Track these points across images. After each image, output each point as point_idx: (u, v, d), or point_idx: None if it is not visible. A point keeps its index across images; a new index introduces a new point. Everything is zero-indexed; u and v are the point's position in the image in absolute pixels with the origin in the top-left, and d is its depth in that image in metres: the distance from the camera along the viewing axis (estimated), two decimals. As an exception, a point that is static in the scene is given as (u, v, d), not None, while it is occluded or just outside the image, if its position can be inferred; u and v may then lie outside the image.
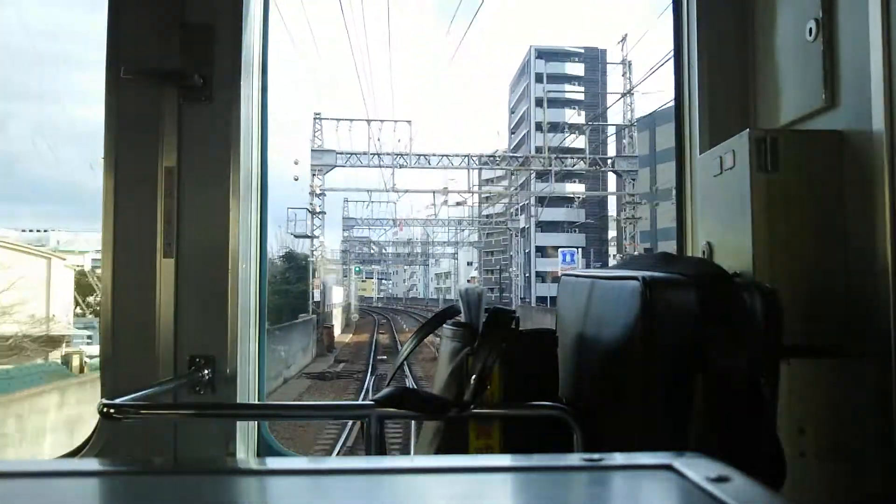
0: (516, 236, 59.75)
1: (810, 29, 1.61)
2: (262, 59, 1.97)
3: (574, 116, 61.58)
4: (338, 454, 10.95)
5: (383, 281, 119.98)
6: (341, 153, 32.78)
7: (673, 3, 2.13)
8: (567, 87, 67.57)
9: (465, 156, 33.94)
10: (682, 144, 2.07)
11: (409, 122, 34.18)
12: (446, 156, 33.72)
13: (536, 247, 64.09)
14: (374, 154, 32.77)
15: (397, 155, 32.78)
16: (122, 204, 1.82)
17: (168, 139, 1.81)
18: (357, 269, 64.69)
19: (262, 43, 1.97)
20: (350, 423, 12.21)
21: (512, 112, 79.93)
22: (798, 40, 1.67)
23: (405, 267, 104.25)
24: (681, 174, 2.08)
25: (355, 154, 32.86)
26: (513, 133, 77.59)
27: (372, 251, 71.38)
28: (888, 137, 1.36)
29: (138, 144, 1.82)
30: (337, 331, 37.99)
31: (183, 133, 1.82)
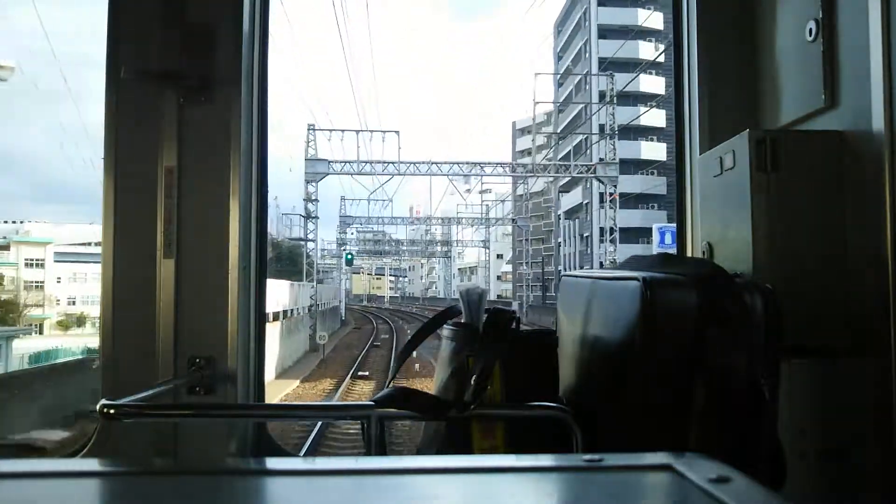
0: (564, 219, 45.41)
1: (810, 29, 1.61)
2: (261, 60, 1.97)
3: (651, 52, 44.37)
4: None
5: (400, 279, 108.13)
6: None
7: (673, 4, 2.13)
8: (641, 12, 47.98)
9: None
10: (682, 144, 2.07)
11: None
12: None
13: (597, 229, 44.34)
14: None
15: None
16: (122, 204, 1.82)
17: (168, 139, 1.81)
18: (348, 256, 47.21)
19: (262, 43, 1.97)
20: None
21: (559, 58, 60.27)
22: (798, 41, 1.67)
23: (422, 261, 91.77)
24: (681, 174, 2.08)
25: None
26: (560, 85, 58.56)
27: (376, 235, 55.52)
28: (888, 138, 1.36)
29: (138, 144, 1.82)
30: (269, 374, 18.03)
31: (183, 133, 1.81)
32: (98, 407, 1.42)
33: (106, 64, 1.82)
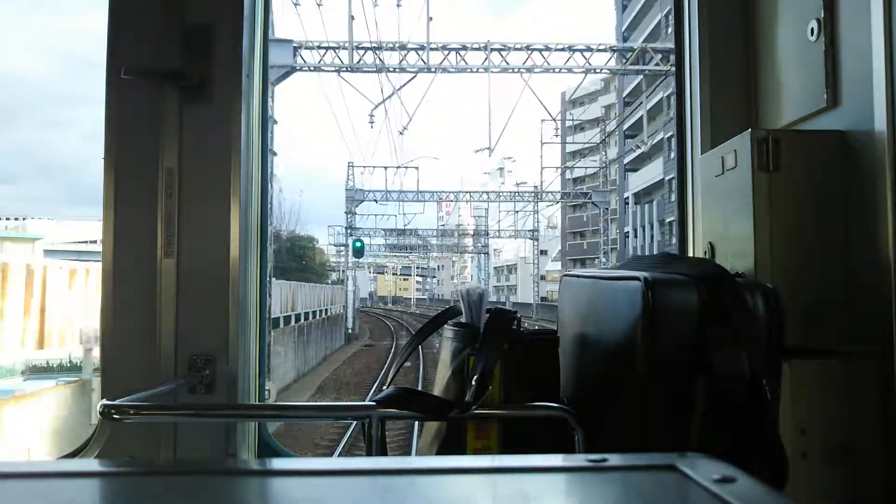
0: (632, 204, 35.44)
1: (812, 29, 1.61)
2: (261, 59, 1.96)
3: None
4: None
5: (428, 279, 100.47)
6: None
7: (674, 3, 2.13)
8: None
9: None
10: (684, 144, 2.06)
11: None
12: None
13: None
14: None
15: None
16: (122, 204, 1.81)
17: (168, 139, 1.81)
18: (357, 243, 35.79)
19: (262, 43, 1.97)
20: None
21: (625, 6, 46.35)
22: (800, 40, 1.67)
23: (453, 259, 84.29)
24: (682, 174, 2.08)
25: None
26: (626, 37, 44.14)
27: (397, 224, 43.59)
28: (890, 137, 1.36)
29: (138, 144, 1.81)
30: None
31: (183, 133, 1.81)
32: (98, 407, 1.42)
33: (106, 63, 1.82)
